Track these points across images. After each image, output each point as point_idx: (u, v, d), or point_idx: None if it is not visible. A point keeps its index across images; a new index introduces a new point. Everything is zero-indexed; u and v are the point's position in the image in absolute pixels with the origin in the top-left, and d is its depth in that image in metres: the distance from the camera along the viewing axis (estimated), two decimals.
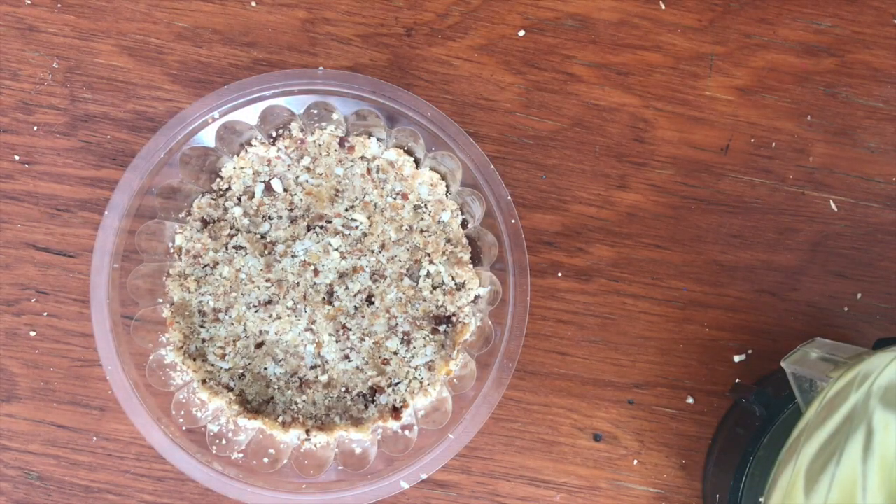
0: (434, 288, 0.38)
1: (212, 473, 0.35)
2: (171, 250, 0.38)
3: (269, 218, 0.38)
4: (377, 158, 0.39)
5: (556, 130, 0.41)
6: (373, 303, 0.38)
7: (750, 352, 0.41)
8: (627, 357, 0.41)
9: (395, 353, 0.38)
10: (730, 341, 0.41)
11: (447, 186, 0.39)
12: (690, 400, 0.41)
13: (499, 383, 0.36)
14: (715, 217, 0.41)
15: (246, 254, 0.38)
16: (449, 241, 0.38)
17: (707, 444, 0.41)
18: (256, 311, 0.38)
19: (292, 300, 0.38)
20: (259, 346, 0.38)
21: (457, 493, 0.40)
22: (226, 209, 0.38)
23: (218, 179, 0.38)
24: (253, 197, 0.38)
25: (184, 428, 0.36)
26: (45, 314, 0.40)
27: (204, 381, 0.37)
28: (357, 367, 0.38)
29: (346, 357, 0.38)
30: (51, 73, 0.40)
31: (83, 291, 0.40)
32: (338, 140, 0.39)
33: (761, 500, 0.30)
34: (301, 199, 0.38)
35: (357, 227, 0.38)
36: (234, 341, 0.38)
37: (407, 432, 0.37)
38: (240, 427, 0.37)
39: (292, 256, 0.38)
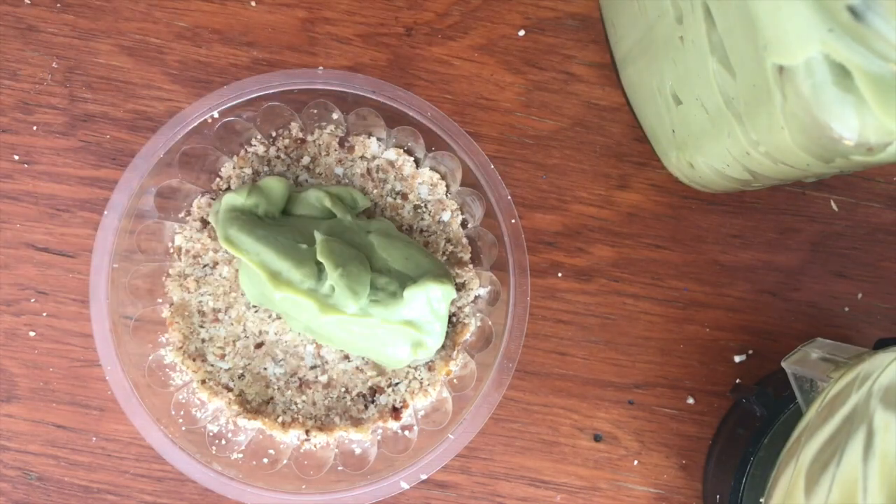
0: None
1: (211, 474, 0.35)
2: (171, 250, 0.38)
3: None
4: (377, 158, 0.39)
5: (556, 130, 0.41)
6: None
7: (750, 352, 0.41)
8: (628, 357, 0.41)
9: None
10: (730, 341, 0.41)
11: (447, 186, 0.39)
12: (691, 400, 0.41)
13: (499, 383, 0.36)
14: (715, 217, 0.41)
15: None
16: (449, 241, 0.38)
17: (707, 445, 0.41)
18: (256, 311, 0.38)
19: None
20: (259, 346, 0.38)
21: (457, 493, 0.40)
22: None
23: (218, 179, 0.38)
24: None
25: (183, 428, 0.36)
26: (45, 314, 0.40)
27: (204, 382, 0.37)
28: (357, 368, 0.38)
29: (346, 357, 0.38)
30: (50, 72, 0.40)
31: (83, 291, 0.40)
32: (338, 140, 0.39)
33: (762, 500, 0.30)
34: None
35: None
36: (233, 341, 0.38)
37: (407, 432, 0.37)
38: (239, 427, 0.37)
39: None
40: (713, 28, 0.28)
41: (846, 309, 0.41)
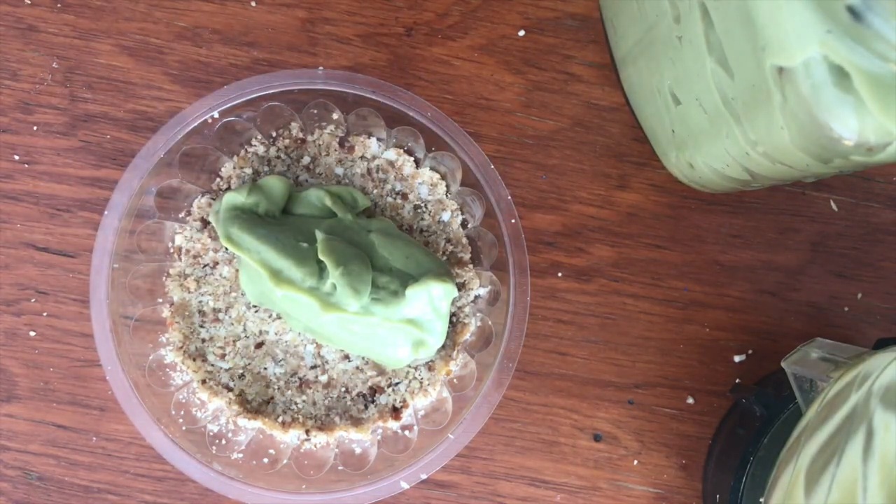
0: None
1: (212, 473, 0.35)
2: (171, 250, 0.38)
3: None
4: (377, 158, 0.39)
5: (556, 130, 0.41)
6: None
7: (750, 352, 0.41)
8: (627, 357, 0.41)
9: None
10: (730, 341, 0.41)
11: (447, 186, 0.39)
12: (691, 400, 0.41)
13: (499, 383, 0.36)
14: (715, 217, 0.41)
15: None
16: (449, 241, 0.38)
17: (707, 445, 0.41)
18: (256, 311, 0.38)
19: None
20: (259, 345, 0.38)
21: (457, 493, 0.40)
22: None
23: (218, 179, 0.38)
24: None
25: (183, 428, 0.36)
26: (45, 314, 0.40)
27: (204, 381, 0.37)
28: (357, 367, 0.38)
29: (346, 357, 0.38)
30: (51, 73, 0.40)
31: (83, 291, 0.40)
32: (338, 140, 0.39)
33: (762, 500, 0.30)
34: None
35: None
36: (233, 341, 0.38)
37: (407, 432, 0.37)
38: (240, 427, 0.37)
39: None
40: (711, 28, 0.29)
41: (846, 309, 0.41)
